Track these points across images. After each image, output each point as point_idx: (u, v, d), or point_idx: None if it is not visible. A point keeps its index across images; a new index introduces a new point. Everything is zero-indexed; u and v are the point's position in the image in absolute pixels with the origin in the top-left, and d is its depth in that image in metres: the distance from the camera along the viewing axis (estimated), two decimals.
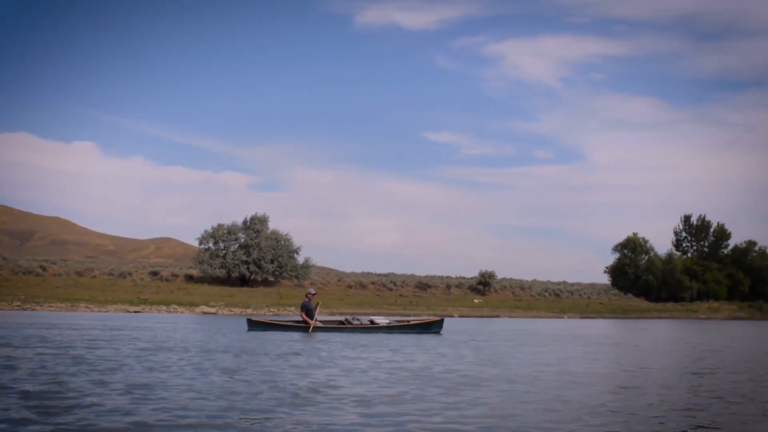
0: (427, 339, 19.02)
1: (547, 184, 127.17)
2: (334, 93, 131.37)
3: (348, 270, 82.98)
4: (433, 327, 22.84)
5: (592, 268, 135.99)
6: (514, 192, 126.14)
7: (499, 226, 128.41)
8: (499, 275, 77.49)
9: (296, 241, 62.92)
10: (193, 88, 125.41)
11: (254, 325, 22.18)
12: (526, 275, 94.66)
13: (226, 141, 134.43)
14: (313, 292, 22.83)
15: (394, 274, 76.20)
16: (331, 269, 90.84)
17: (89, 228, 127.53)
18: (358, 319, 22.84)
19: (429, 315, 49.18)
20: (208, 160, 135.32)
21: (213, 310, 44.63)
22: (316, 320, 21.87)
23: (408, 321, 24.04)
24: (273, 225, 63.11)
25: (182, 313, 42.78)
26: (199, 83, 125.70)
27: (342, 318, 23.51)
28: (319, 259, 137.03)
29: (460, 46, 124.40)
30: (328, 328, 21.95)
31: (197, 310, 44.24)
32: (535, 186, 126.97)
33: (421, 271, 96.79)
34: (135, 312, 41.37)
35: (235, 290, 56.74)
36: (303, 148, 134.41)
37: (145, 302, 45.41)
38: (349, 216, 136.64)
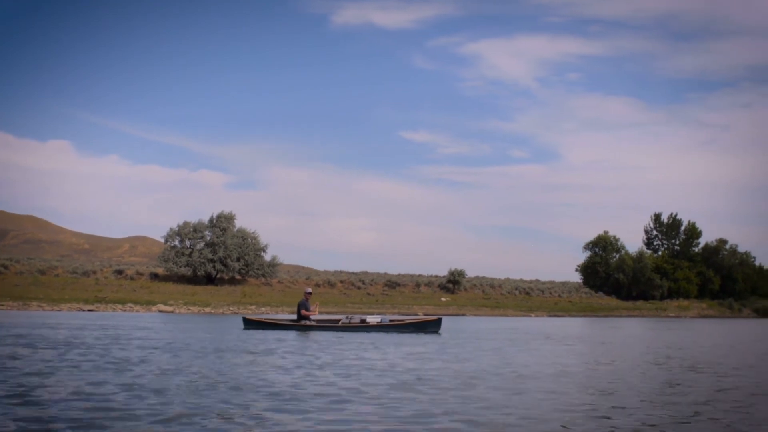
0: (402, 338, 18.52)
1: (522, 183, 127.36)
2: (310, 92, 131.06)
3: (323, 268, 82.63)
4: (429, 326, 21.67)
5: (567, 266, 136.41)
6: (490, 191, 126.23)
7: (475, 225, 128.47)
8: (475, 274, 77.51)
9: (271, 239, 62.95)
10: (169, 87, 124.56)
11: (250, 323, 22.20)
12: (500, 274, 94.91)
13: (202, 140, 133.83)
14: (310, 291, 22.69)
15: (367, 273, 75.78)
16: (306, 268, 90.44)
17: (64, 227, 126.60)
18: (349, 318, 22.13)
19: (394, 313, 48.98)
20: (184, 159, 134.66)
21: (170, 308, 44.09)
22: (310, 319, 21.69)
23: (403, 320, 23.15)
24: (249, 223, 63.01)
25: (138, 311, 42.25)
26: (175, 82, 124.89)
27: (342, 317, 22.87)
28: (295, 258, 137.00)
29: (437, 46, 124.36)
30: (321, 326, 21.49)
31: (154, 308, 43.70)
32: (510, 185, 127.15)
33: (396, 269, 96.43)
34: (89, 311, 40.80)
35: (199, 289, 56.21)
36: (279, 146, 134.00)
37: (101, 301, 44.82)
38: (326, 215, 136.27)
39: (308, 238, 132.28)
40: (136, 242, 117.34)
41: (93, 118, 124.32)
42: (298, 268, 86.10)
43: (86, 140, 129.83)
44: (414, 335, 19.88)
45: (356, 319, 21.92)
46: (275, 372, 9.58)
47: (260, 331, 20.28)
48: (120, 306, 43.78)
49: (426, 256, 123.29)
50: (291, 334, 18.97)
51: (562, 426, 6.06)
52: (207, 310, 45.24)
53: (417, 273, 75.88)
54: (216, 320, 30.86)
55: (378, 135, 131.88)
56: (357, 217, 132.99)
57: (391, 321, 22.33)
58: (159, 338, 16.25)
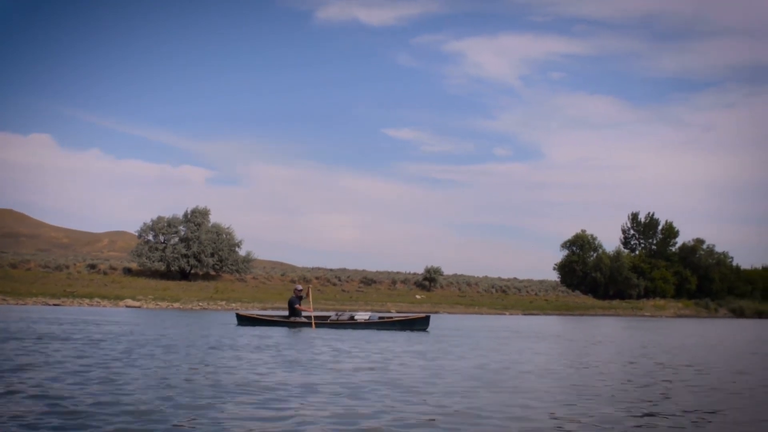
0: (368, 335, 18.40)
1: (505, 181, 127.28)
2: (293, 88, 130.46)
3: (304, 265, 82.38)
4: (417, 324, 21.48)
5: (546, 265, 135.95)
6: (472, 189, 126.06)
7: (456, 223, 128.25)
8: (454, 272, 77.51)
9: (253, 235, 62.70)
10: (153, 83, 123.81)
11: (243, 320, 22.20)
12: (479, 272, 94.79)
13: (185, 135, 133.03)
14: (300, 288, 22.52)
15: (345, 270, 75.56)
16: (283, 263, 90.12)
17: (43, 221, 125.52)
18: (338, 315, 22.10)
19: (367, 310, 48.78)
20: (166, 154, 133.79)
21: (138, 304, 43.71)
22: (301, 315, 21.61)
23: (391, 317, 23.13)
24: (231, 220, 62.87)
25: (105, 306, 41.89)
26: (158, 78, 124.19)
27: (332, 314, 22.75)
28: (276, 255, 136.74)
29: (421, 43, 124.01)
30: (307, 323, 21.25)
31: (121, 303, 43.31)
32: (493, 183, 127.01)
33: (376, 267, 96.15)
34: (54, 305, 40.39)
35: (172, 284, 55.81)
36: (262, 143, 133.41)
37: (68, 296, 44.40)
38: (308, 211, 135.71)
39: (290, 235, 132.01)
40: (116, 237, 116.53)
41: (75, 113, 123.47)
42: (274, 264, 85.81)
43: (68, 134, 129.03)
44: (401, 332, 19.88)
45: (345, 316, 21.96)
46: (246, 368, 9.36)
47: (254, 328, 20.06)
48: (87, 301, 43.40)
49: (406, 253, 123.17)
50: (282, 331, 18.78)
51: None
52: (176, 305, 44.90)
53: (396, 270, 75.74)
54: (186, 316, 30.58)
55: (361, 132, 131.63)
56: (339, 214, 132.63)
57: (380, 318, 22.37)
58: (99, 333, 16.00)
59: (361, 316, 21.94)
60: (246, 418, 5.99)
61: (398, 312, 50.68)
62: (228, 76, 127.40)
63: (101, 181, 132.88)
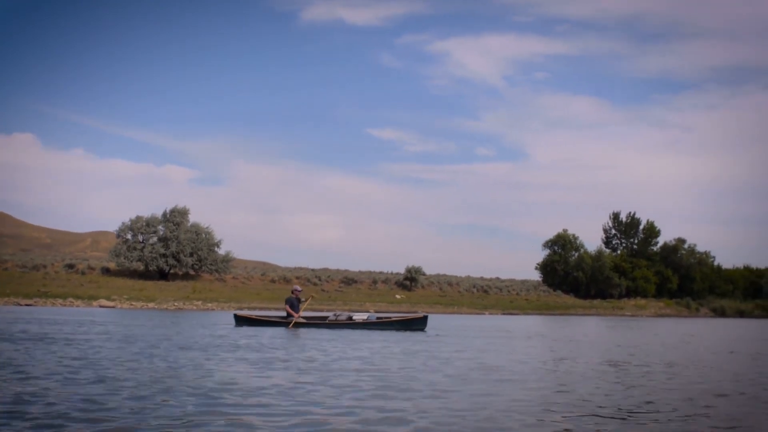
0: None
1: (488, 181, 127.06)
2: (277, 88, 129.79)
3: (287, 265, 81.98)
4: (414, 324, 21.69)
5: (529, 265, 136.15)
6: (455, 189, 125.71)
7: (439, 223, 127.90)
8: (436, 272, 77.42)
9: (236, 235, 62.90)
10: (136, 82, 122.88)
11: (240, 320, 22.33)
12: (462, 272, 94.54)
13: (168, 134, 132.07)
14: (299, 288, 22.72)
15: (327, 270, 75.39)
16: (264, 263, 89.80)
17: (26, 221, 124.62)
18: (336, 315, 22.11)
19: (345, 310, 48.59)
20: (150, 154, 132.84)
21: (112, 304, 43.41)
22: (300, 316, 21.63)
23: (390, 318, 23.06)
24: (214, 219, 62.38)
25: (78, 306, 41.59)
26: (142, 77, 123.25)
27: (330, 314, 22.79)
28: (260, 255, 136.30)
29: (405, 44, 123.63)
30: (309, 324, 21.39)
31: (95, 303, 43.00)
32: (476, 183, 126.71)
33: (359, 266, 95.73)
34: (26, 305, 40.06)
35: (149, 284, 55.50)
36: (246, 142, 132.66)
37: (41, 296, 44.04)
38: (291, 211, 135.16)
39: (273, 235, 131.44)
40: (99, 237, 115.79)
41: (58, 112, 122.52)
42: (255, 264, 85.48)
43: (51, 134, 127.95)
44: (398, 332, 19.94)
45: (343, 316, 22.04)
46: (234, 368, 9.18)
47: (252, 328, 20.03)
48: (60, 301, 43.07)
49: (389, 253, 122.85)
50: (279, 332, 18.77)
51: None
52: (151, 305, 44.60)
53: (378, 270, 75.58)
54: (163, 316, 30.32)
55: (345, 132, 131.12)
56: (322, 213, 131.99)
57: (378, 318, 22.49)
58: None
59: (360, 316, 22.19)
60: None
61: (377, 312, 50.59)
62: (212, 76, 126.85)
63: (84, 180, 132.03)
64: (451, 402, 7.08)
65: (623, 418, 6.42)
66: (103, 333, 16.38)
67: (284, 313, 22.88)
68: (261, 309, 45.44)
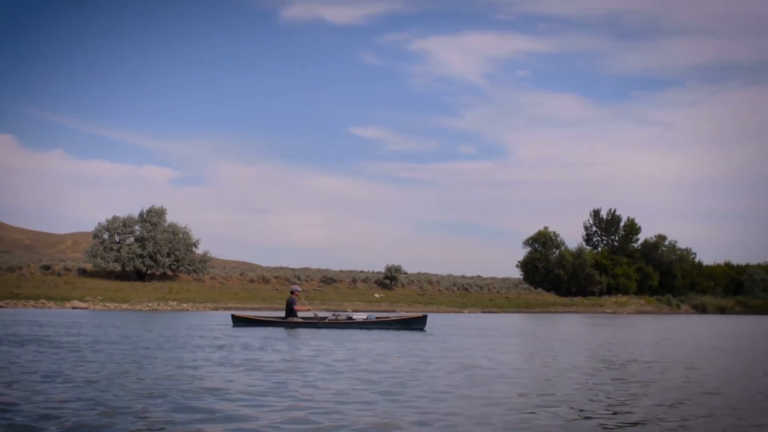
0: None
1: (470, 179, 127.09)
2: (259, 87, 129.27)
3: (269, 264, 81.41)
4: (414, 324, 21.86)
5: (511, 263, 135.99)
6: (437, 187, 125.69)
7: (421, 221, 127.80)
8: (418, 270, 77.06)
9: (218, 235, 62.43)
10: (116, 81, 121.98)
11: (238, 321, 22.41)
12: (443, 270, 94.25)
13: (149, 135, 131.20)
14: (299, 289, 23.14)
15: (308, 269, 75.04)
16: (244, 263, 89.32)
17: (5, 222, 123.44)
18: (335, 315, 22.33)
19: (323, 309, 48.26)
20: (130, 154, 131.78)
21: (85, 305, 42.93)
22: (298, 315, 21.99)
23: (388, 317, 23.36)
24: (196, 219, 62.08)
25: (50, 308, 41.09)
26: (122, 77, 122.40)
27: (329, 314, 22.91)
28: (241, 255, 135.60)
29: (386, 42, 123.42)
30: (308, 324, 21.50)
31: (68, 305, 42.52)
32: (458, 182, 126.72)
33: (341, 265, 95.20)
34: None
35: (126, 284, 54.95)
36: (227, 142, 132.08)
37: (12, 297, 43.51)
38: (273, 211, 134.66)
39: (255, 234, 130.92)
40: (79, 238, 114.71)
41: (38, 113, 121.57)
42: (237, 264, 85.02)
43: (31, 135, 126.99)
44: (398, 332, 20.06)
45: (343, 316, 22.38)
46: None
47: (249, 329, 20.00)
48: (32, 302, 42.55)
49: (371, 252, 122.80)
50: (279, 332, 18.85)
51: None
52: (125, 306, 44.14)
53: (359, 269, 75.25)
54: (141, 317, 29.95)
55: (326, 131, 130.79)
56: (304, 213, 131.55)
57: (377, 318, 22.66)
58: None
59: (359, 316, 22.52)
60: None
61: (355, 311, 50.36)
62: (193, 76, 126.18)
63: (65, 181, 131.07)
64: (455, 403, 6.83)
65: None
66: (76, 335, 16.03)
67: (282, 314, 23.11)
68: (237, 309, 45.13)
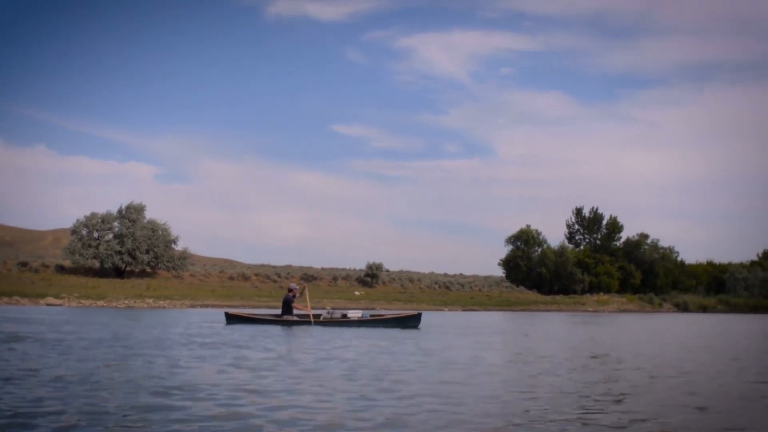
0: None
1: (454, 177, 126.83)
2: (243, 84, 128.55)
3: (252, 262, 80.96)
4: (409, 322, 21.92)
5: (494, 261, 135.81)
6: (421, 185, 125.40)
7: (404, 219, 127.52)
8: (400, 268, 76.87)
9: (201, 232, 61.81)
10: (98, 77, 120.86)
11: (231, 318, 22.37)
12: (426, 268, 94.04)
13: (132, 131, 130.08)
14: (295, 287, 23.05)
15: (291, 267, 74.74)
16: (225, 260, 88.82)
17: None
18: (330, 313, 22.27)
19: (302, 307, 48.02)
20: (113, 150, 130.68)
21: (60, 302, 42.45)
22: (293, 313, 21.99)
23: (383, 315, 23.42)
24: (178, 216, 61.75)
25: (23, 305, 40.59)
26: (105, 73, 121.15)
27: (324, 312, 22.98)
28: (224, 252, 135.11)
29: (371, 39, 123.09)
30: (303, 322, 21.48)
31: (42, 302, 42.02)
32: (442, 179, 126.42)
33: (323, 263, 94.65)
34: None
35: (104, 281, 54.44)
36: (210, 139, 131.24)
37: None
38: (257, 208, 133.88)
39: (238, 232, 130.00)
40: (61, 235, 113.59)
41: (19, 108, 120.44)
42: (216, 261, 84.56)
43: (12, 130, 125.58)
44: (392, 330, 20.10)
45: (338, 314, 22.22)
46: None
47: (243, 326, 19.87)
48: (6, 299, 42.02)
49: (354, 249, 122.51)
50: (274, 330, 18.81)
51: None
52: (101, 303, 43.69)
53: (342, 267, 75.00)
54: (110, 314, 29.58)
55: (311, 128, 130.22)
56: (287, 210, 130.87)
57: (372, 316, 22.69)
58: None
59: (354, 314, 22.31)
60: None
61: (334, 308, 50.01)
62: (176, 72, 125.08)
63: (46, 178, 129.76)
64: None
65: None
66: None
67: (279, 312, 23.02)
68: (215, 307, 44.82)
